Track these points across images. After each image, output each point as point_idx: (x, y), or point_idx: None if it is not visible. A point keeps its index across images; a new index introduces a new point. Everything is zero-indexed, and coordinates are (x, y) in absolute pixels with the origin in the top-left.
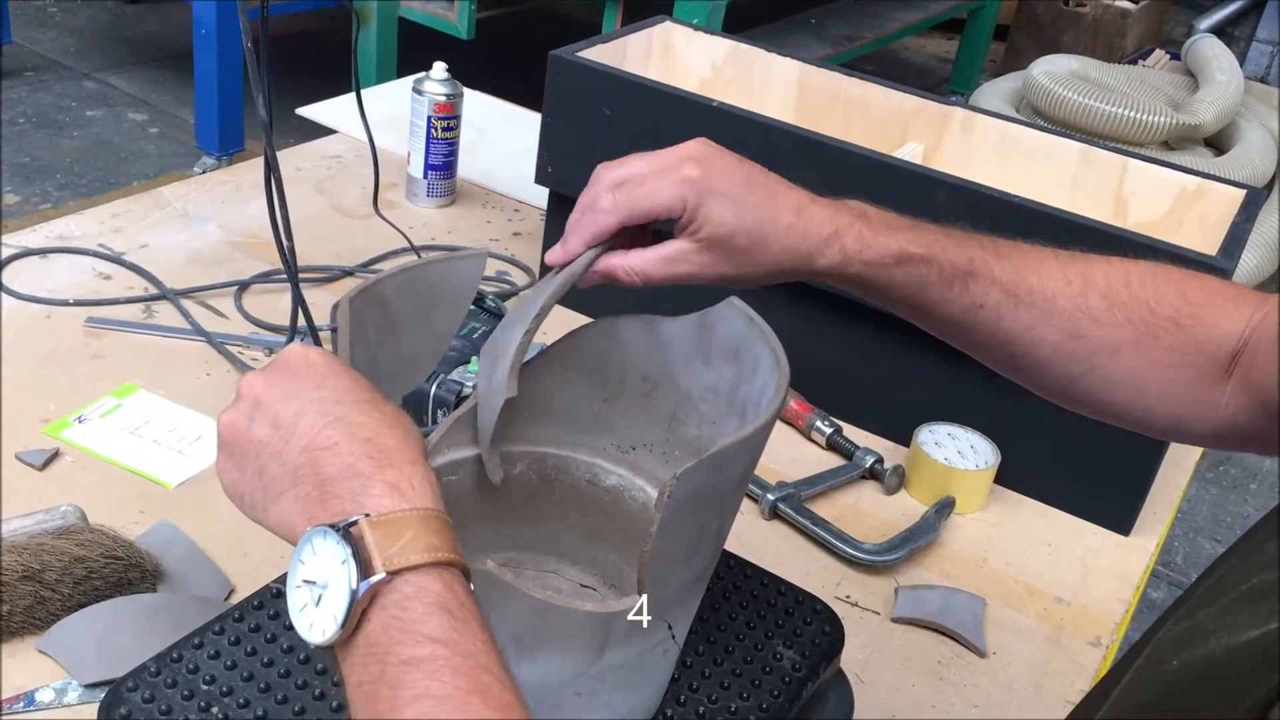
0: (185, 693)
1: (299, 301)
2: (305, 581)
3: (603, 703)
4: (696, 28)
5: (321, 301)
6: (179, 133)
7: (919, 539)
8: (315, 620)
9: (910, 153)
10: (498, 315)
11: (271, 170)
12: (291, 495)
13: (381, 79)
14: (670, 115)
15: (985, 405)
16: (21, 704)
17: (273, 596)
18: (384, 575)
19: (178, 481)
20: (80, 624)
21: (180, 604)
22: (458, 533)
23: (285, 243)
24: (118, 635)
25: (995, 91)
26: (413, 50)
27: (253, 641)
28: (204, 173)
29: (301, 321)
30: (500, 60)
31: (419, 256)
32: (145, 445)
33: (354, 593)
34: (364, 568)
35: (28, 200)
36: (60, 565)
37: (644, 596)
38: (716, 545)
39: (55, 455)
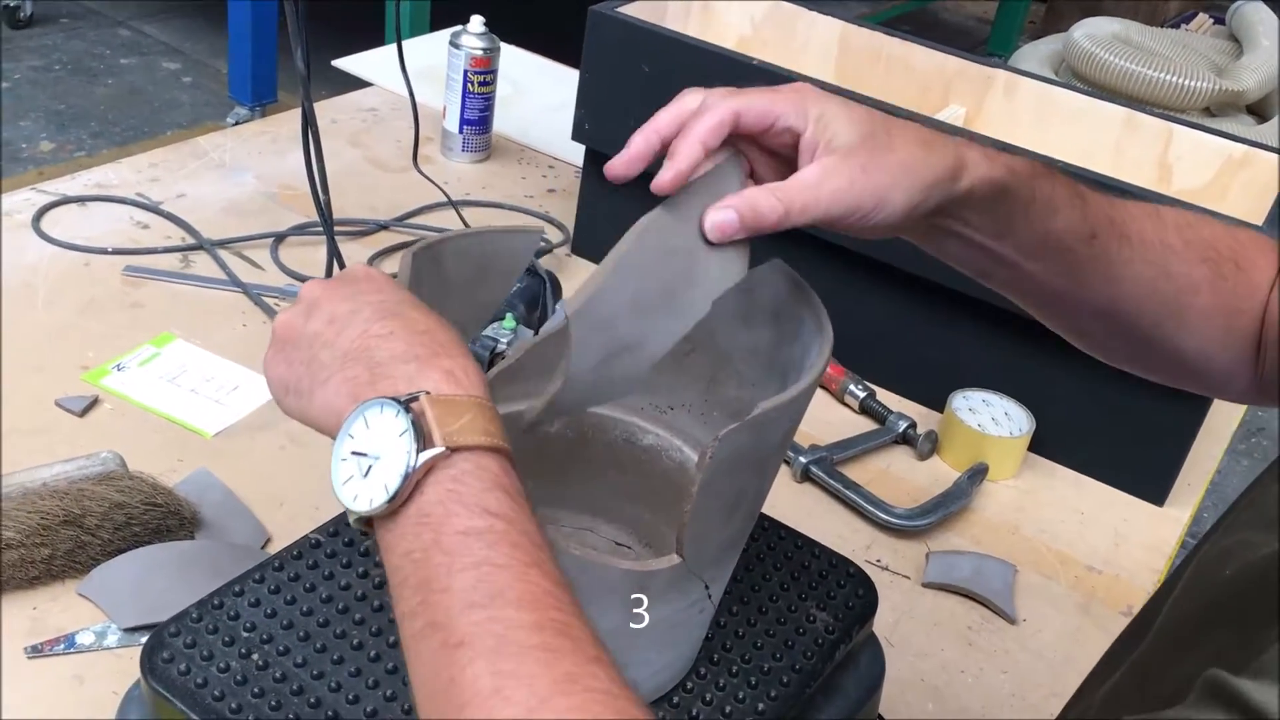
0: (226, 639)
1: (334, 254)
2: (354, 454)
3: (640, 660)
4: None
5: (356, 255)
6: (212, 82)
7: (951, 505)
8: (362, 491)
9: (952, 115)
10: (533, 272)
11: (308, 124)
12: (340, 378)
13: (415, 32)
14: (710, 73)
15: (1020, 372)
16: (62, 646)
17: (311, 547)
18: (443, 449)
19: (215, 430)
20: (119, 569)
21: (217, 551)
22: None
23: (321, 196)
24: (156, 581)
25: (1035, 54)
26: (451, 2)
27: (292, 590)
28: (237, 123)
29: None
30: (539, 14)
31: (457, 213)
32: (183, 394)
33: (410, 464)
34: (423, 441)
35: (62, 147)
36: (100, 511)
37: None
38: (754, 507)
39: (95, 402)
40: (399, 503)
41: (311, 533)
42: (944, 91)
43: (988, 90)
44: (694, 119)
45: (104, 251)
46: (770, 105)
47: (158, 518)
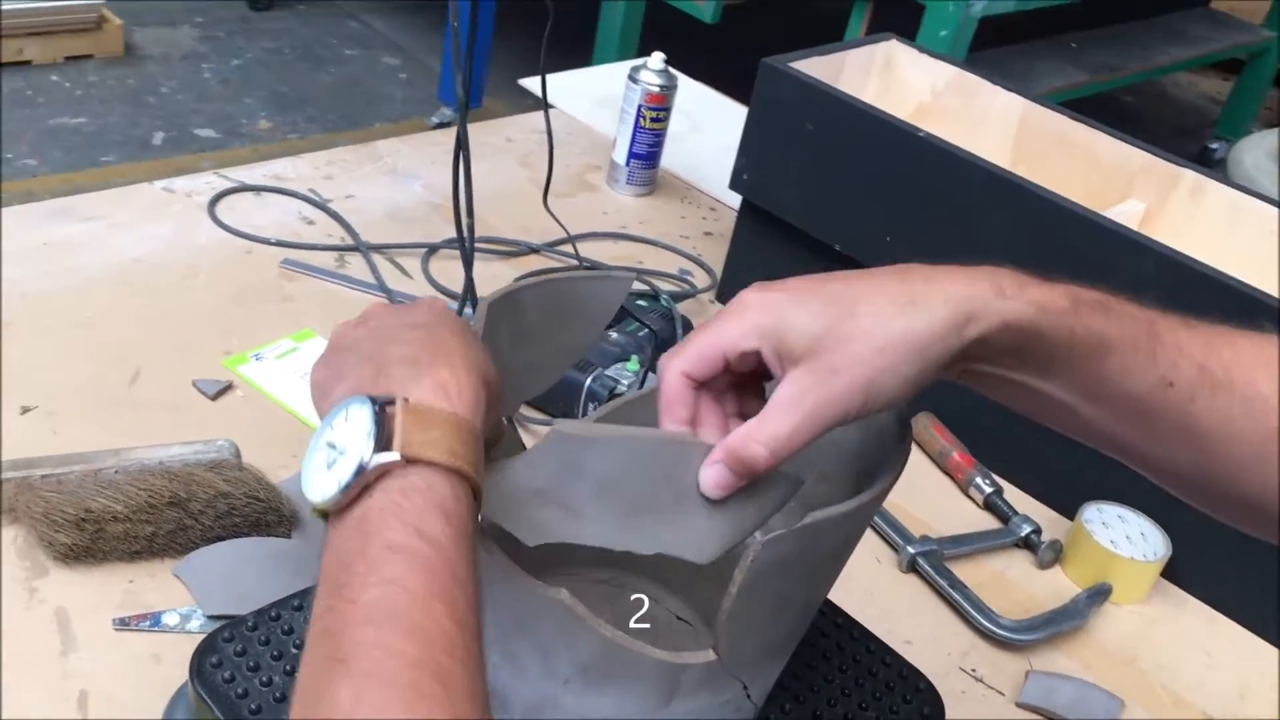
0: (275, 652)
1: (470, 277)
2: (328, 444)
3: None
4: (922, 50)
5: (502, 275)
6: (425, 80)
7: (1063, 623)
8: (321, 482)
9: (1127, 212)
10: (668, 317)
11: (460, 147)
12: (354, 375)
13: (623, 54)
14: (873, 138)
15: (1161, 490)
16: (148, 623)
17: None
18: (398, 457)
19: None
20: (214, 556)
21: (309, 553)
22: (575, 530)
23: (465, 220)
24: (246, 573)
25: (1260, 144)
26: (658, 27)
27: None
28: (440, 124)
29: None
30: (740, 47)
31: (576, 255)
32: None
33: (364, 463)
34: (383, 445)
35: (278, 127)
36: (205, 497)
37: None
38: (806, 612)
39: (228, 388)
40: (346, 500)
41: None
42: (1125, 185)
43: (1172, 189)
44: (659, 396)
45: (267, 242)
46: (716, 343)
47: (258, 511)
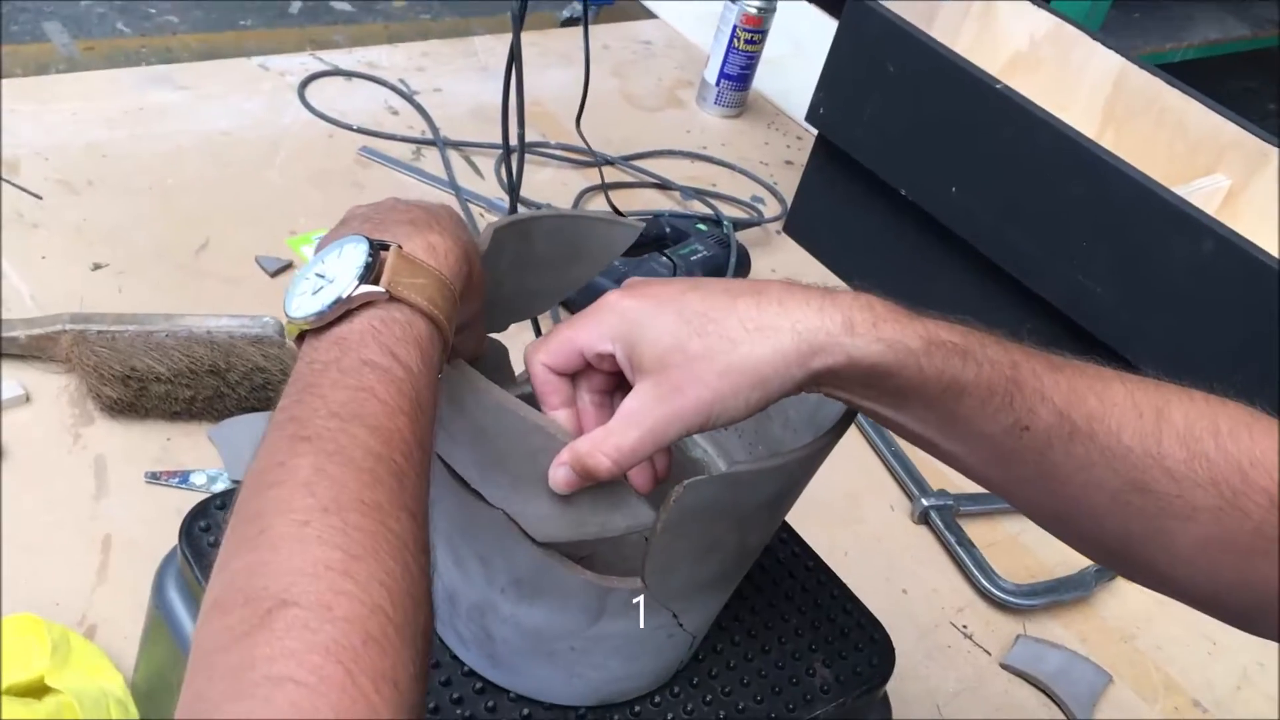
0: None
1: (514, 178)
2: (316, 275)
3: (597, 663)
4: None
5: (571, 183)
6: None
7: (1065, 592)
8: (304, 304)
9: (1208, 186)
10: (724, 244)
11: (514, 58)
12: (357, 226)
13: None
14: (950, 86)
15: None
16: (176, 480)
17: None
18: (383, 291)
19: None
20: (245, 425)
21: None
22: None
23: (517, 129)
24: None
25: None
26: None
27: None
28: (569, 17)
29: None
30: None
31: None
32: None
33: (350, 291)
34: (371, 279)
35: (411, 7)
36: (243, 369)
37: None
38: (742, 555)
39: (288, 266)
40: (326, 320)
41: None
42: (1214, 158)
43: (1261, 167)
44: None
45: (349, 128)
46: (573, 340)
47: None
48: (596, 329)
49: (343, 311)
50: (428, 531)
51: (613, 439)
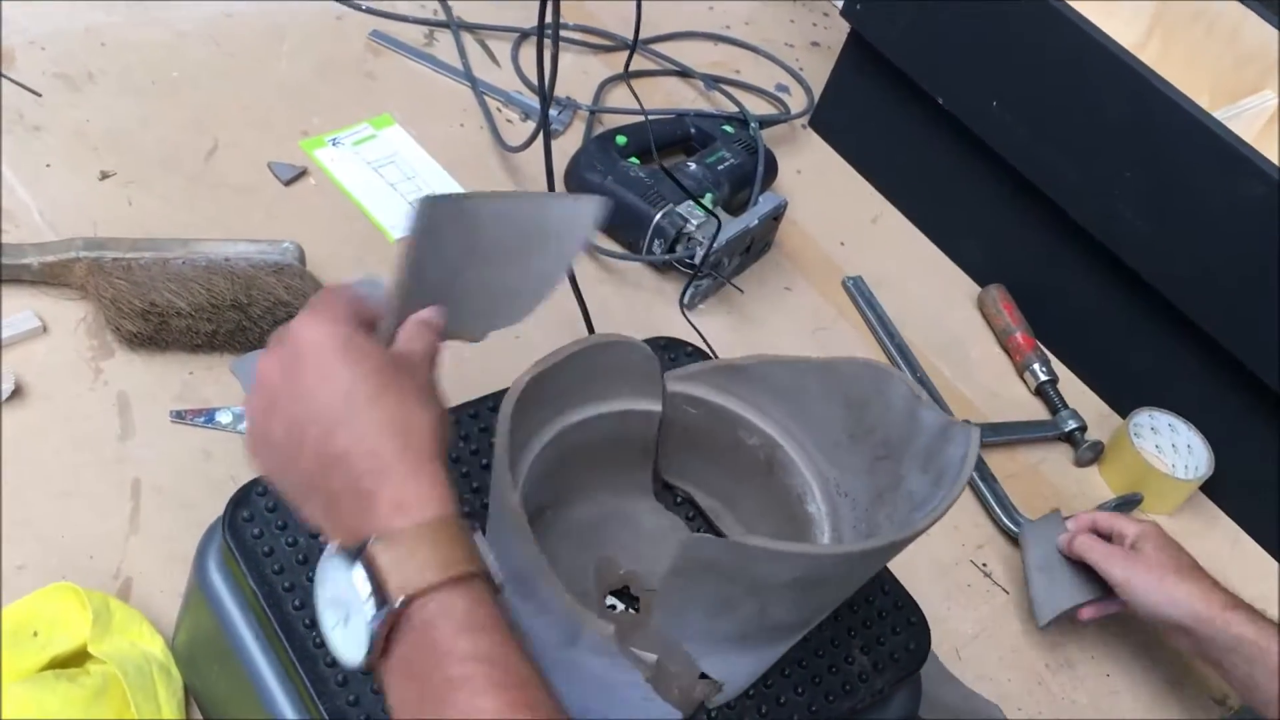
0: None
1: (547, 74)
2: (330, 604)
3: (576, 697)
4: None
5: (593, 70)
6: None
7: None
8: (346, 641)
9: (1255, 106)
10: (751, 150)
11: None
12: (312, 504)
13: None
14: None
15: (1218, 402)
16: (202, 419)
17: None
18: (401, 602)
19: (399, 236)
20: None
21: None
22: None
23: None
24: None
25: None
26: None
27: None
28: None
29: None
30: None
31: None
32: (382, 187)
33: (372, 622)
34: (380, 593)
35: None
36: (266, 303)
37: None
38: (763, 624)
39: (302, 174)
40: (378, 654)
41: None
42: (1262, 73)
43: None
44: None
45: (358, 7)
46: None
47: None
48: None
49: (384, 636)
50: None
51: None
